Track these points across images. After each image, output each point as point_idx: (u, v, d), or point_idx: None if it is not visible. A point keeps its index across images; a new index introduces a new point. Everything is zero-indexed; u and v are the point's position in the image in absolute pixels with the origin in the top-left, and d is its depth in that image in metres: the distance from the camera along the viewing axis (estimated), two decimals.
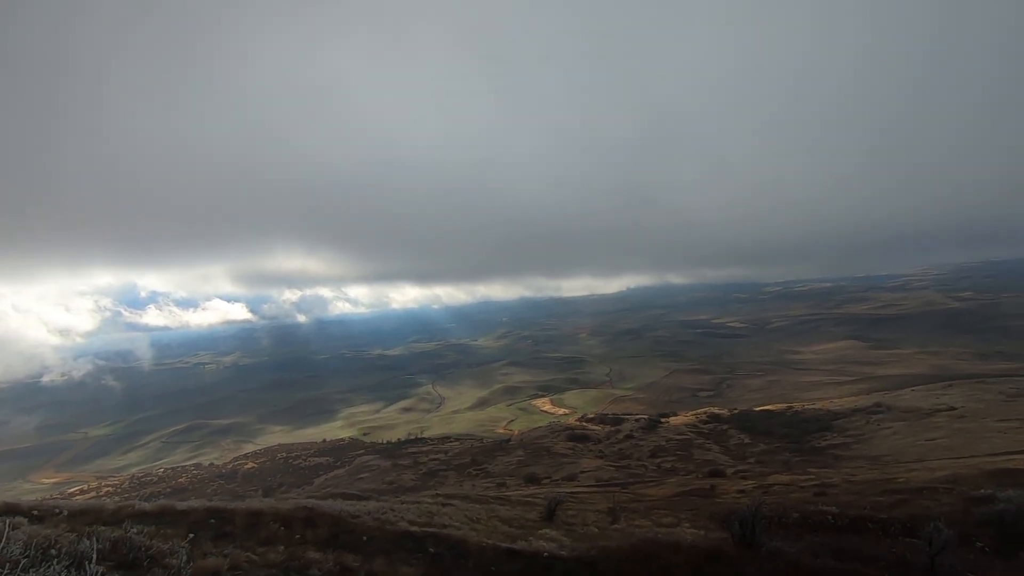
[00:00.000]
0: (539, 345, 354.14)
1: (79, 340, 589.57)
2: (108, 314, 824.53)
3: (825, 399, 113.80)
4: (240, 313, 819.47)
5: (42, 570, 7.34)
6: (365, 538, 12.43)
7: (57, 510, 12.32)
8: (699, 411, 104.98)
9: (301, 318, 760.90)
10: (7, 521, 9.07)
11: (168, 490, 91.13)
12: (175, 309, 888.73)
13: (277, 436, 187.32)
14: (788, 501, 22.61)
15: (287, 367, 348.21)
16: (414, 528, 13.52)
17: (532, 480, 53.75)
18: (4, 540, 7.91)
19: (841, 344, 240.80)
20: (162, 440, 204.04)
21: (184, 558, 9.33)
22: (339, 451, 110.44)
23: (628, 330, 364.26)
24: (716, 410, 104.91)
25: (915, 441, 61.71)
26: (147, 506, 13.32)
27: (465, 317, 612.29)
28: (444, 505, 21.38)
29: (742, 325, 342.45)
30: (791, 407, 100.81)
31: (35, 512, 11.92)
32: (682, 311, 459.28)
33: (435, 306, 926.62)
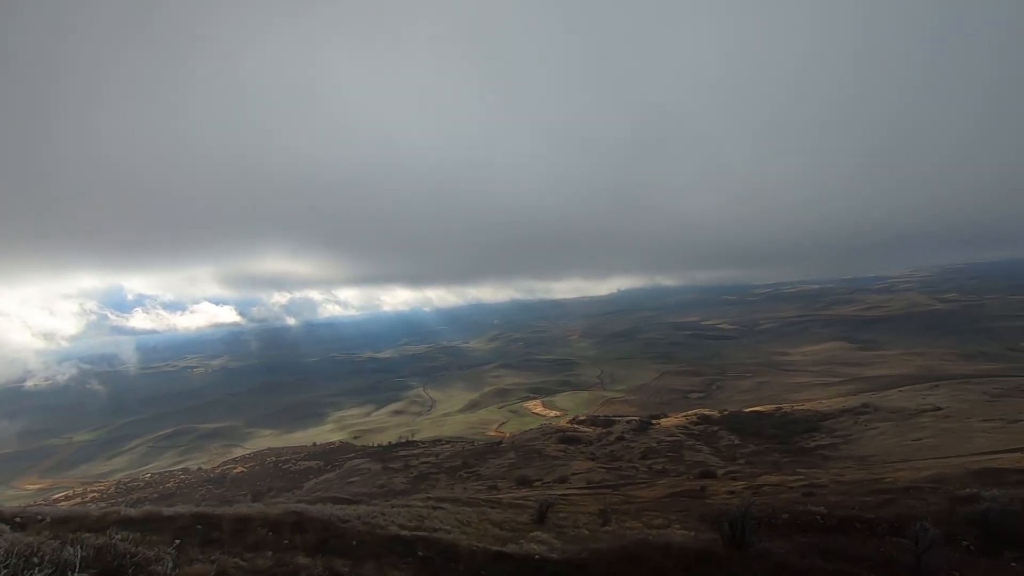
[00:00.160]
0: (530, 347, 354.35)
1: (63, 344, 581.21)
2: (93, 317, 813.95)
3: (813, 400, 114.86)
4: (228, 316, 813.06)
5: None
6: (355, 543, 12.34)
7: (40, 517, 12.11)
8: (689, 412, 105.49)
9: (290, 321, 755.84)
10: None
11: (155, 496, 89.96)
12: (162, 312, 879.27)
13: (266, 440, 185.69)
14: (777, 502, 22.77)
15: (276, 370, 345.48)
16: (404, 532, 13.44)
17: (523, 482, 53.70)
18: None
19: (829, 345, 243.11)
20: (149, 445, 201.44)
21: (170, 565, 9.20)
22: (329, 455, 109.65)
23: (619, 332, 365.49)
24: (706, 411, 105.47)
25: (901, 441, 62.42)
26: (133, 512, 13.14)
27: (456, 319, 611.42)
28: (435, 508, 21.29)
29: (732, 327, 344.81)
30: (780, 408, 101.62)
31: (17, 519, 11.71)
32: (672, 313, 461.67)
33: (426, 308, 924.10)
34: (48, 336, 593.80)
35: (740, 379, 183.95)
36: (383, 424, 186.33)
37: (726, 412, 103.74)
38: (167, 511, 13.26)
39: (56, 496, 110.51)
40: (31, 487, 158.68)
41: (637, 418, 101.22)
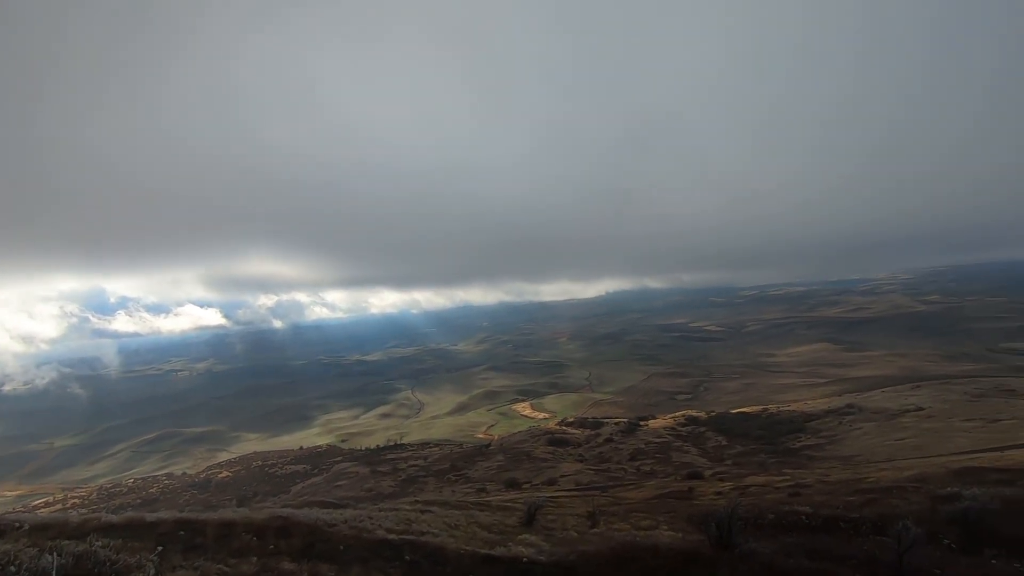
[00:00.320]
0: (519, 349, 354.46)
1: (43, 347, 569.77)
2: (74, 320, 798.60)
3: (799, 401, 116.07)
4: (214, 319, 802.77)
5: None
6: (342, 547, 12.24)
7: (18, 524, 11.87)
8: (677, 414, 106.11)
9: (277, 323, 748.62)
10: None
11: (138, 501, 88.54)
12: (146, 315, 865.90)
13: (252, 444, 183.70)
14: (764, 502, 22.95)
15: (262, 373, 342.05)
16: (392, 536, 13.36)
17: (512, 485, 53.62)
18: None
19: (814, 347, 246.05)
20: (132, 450, 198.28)
21: (152, 571, 9.08)
22: (316, 458, 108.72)
23: (607, 334, 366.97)
24: (694, 413, 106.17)
25: (885, 441, 63.32)
26: (114, 518, 12.92)
27: (445, 322, 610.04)
28: (423, 512, 21.18)
29: (719, 329, 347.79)
30: (766, 409, 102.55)
31: None
32: (660, 315, 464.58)
33: (414, 311, 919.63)
34: (27, 339, 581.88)
35: (727, 380, 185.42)
36: (371, 427, 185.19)
37: (713, 413, 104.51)
38: (150, 517, 13.06)
39: (36, 503, 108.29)
40: (10, 493, 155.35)
41: (625, 420, 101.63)
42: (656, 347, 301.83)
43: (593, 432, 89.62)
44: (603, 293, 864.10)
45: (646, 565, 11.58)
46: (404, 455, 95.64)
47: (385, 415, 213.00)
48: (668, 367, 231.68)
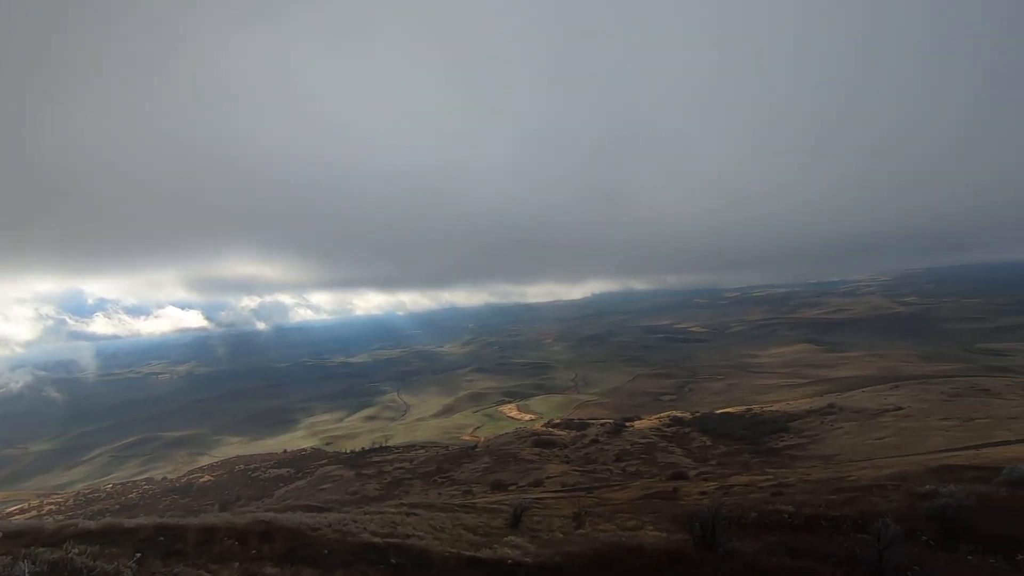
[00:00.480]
0: (505, 351, 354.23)
1: (18, 350, 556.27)
2: (50, 322, 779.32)
3: (781, 401, 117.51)
4: (195, 320, 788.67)
5: None
6: (325, 551, 12.12)
7: None
8: (662, 415, 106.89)
9: (260, 325, 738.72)
10: None
11: (116, 507, 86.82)
12: (125, 317, 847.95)
13: (235, 448, 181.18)
14: (747, 502, 23.19)
15: (245, 376, 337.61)
16: (376, 539, 13.26)
17: (498, 487, 53.59)
18: None
19: (796, 348, 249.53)
20: (110, 454, 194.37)
21: None
22: (300, 462, 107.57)
23: (593, 335, 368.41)
24: (678, 413, 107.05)
25: (865, 440, 64.41)
26: (91, 524, 12.65)
27: (430, 323, 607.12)
28: (408, 515, 21.05)
29: (703, 330, 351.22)
30: (750, 409, 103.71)
31: None
32: (645, 316, 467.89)
33: (399, 313, 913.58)
34: (1, 342, 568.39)
35: (711, 381, 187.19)
36: (356, 430, 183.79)
37: (698, 414, 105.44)
38: (128, 523, 12.81)
39: (10, 509, 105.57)
40: None
41: (611, 421, 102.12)
42: (641, 348, 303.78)
43: (579, 433, 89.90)
44: (589, 295, 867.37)
45: (631, 565, 11.63)
46: (389, 458, 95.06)
47: (370, 417, 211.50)
48: (653, 368, 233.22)
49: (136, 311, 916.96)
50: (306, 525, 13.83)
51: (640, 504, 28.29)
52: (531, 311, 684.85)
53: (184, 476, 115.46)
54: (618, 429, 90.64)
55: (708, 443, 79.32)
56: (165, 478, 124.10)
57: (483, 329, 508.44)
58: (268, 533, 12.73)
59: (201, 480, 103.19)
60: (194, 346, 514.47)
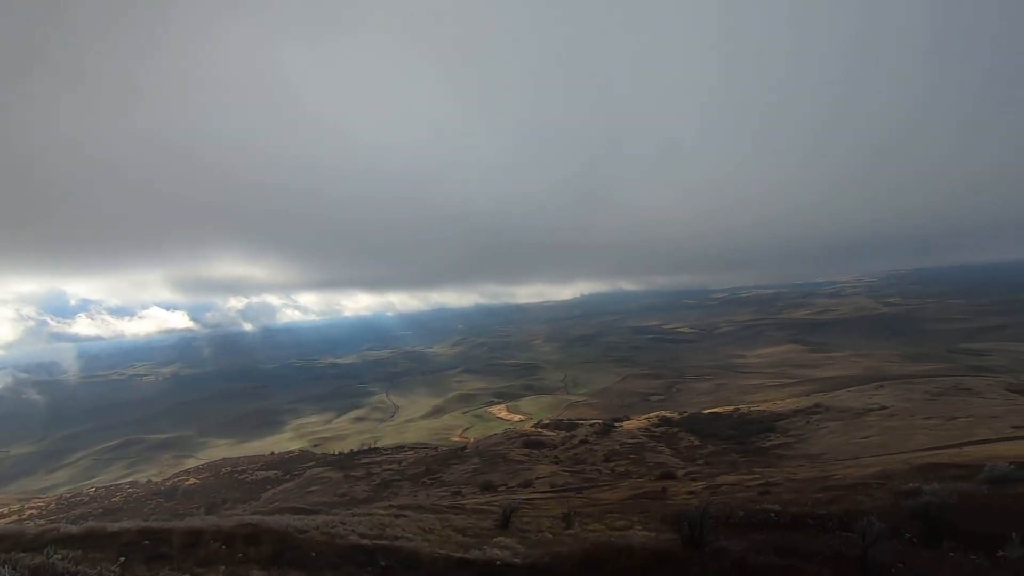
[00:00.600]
0: (494, 352, 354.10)
1: None
2: (31, 323, 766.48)
3: (768, 401, 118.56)
4: (180, 321, 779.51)
5: None
6: (313, 554, 12.02)
7: None
8: (651, 415, 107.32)
9: (247, 326, 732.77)
10: None
11: (99, 511, 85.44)
12: (108, 318, 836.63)
13: (221, 450, 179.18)
14: (734, 501, 23.36)
15: (232, 377, 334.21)
16: (365, 541, 13.18)
17: (488, 488, 53.49)
18: None
19: (783, 348, 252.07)
20: (93, 457, 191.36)
21: None
22: (288, 464, 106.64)
23: (582, 336, 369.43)
24: (667, 413, 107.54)
25: (850, 439, 65.15)
26: (74, 529, 12.46)
27: (419, 324, 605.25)
28: (397, 516, 20.95)
29: (691, 330, 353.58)
30: (737, 409, 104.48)
31: None
32: (634, 317, 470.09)
33: (388, 313, 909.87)
34: None
35: (699, 381, 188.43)
36: (344, 431, 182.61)
37: (686, 414, 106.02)
38: (112, 527, 12.63)
39: None
40: None
41: (600, 421, 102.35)
42: (630, 349, 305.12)
43: (568, 434, 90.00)
44: (578, 295, 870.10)
45: (619, 565, 11.67)
46: (378, 459, 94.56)
47: (359, 419, 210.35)
48: (642, 368, 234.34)
49: (120, 312, 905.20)
50: (294, 528, 13.72)
51: (629, 504, 28.39)
52: (521, 312, 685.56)
53: (169, 479, 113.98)
54: (607, 429, 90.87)
55: (696, 443, 79.81)
56: (150, 481, 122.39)
57: (472, 330, 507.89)
58: (255, 536, 12.61)
59: (187, 483, 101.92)
60: (179, 347, 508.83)
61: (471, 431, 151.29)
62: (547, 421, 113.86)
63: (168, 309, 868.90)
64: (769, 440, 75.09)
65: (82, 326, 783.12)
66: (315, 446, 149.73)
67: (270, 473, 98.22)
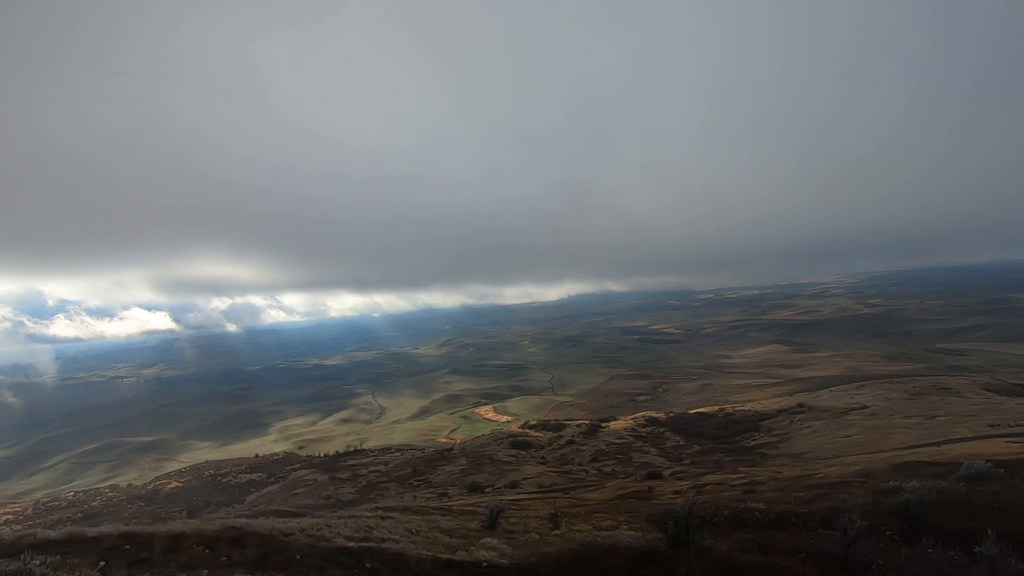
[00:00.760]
0: (481, 353, 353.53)
1: None
2: (7, 324, 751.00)
3: (753, 401, 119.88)
4: (162, 322, 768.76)
5: None
6: (298, 556, 11.91)
7: None
8: (637, 415, 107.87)
9: (231, 327, 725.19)
10: None
11: (79, 515, 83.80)
12: (88, 319, 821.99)
13: (204, 453, 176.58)
14: (720, 500, 23.59)
15: (215, 379, 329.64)
16: (351, 543, 13.09)
17: (475, 489, 53.41)
18: None
19: (767, 348, 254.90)
20: (72, 461, 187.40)
21: None
22: (273, 466, 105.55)
23: (569, 337, 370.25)
24: (653, 414, 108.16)
25: (833, 438, 66.05)
26: (52, 534, 12.21)
27: (406, 325, 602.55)
28: (383, 518, 20.85)
29: (677, 331, 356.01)
30: (722, 409, 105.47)
31: None
32: (621, 318, 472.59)
33: (375, 314, 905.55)
34: None
35: (685, 382, 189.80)
36: (330, 433, 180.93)
37: (672, 414, 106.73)
38: (91, 531, 12.40)
39: None
40: None
41: (587, 422, 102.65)
42: (617, 349, 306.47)
43: (555, 434, 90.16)
44: (565, 296, 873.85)
45: (606, 564, 11.73)
46: (364, 461, 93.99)
47: (345, 420, 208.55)
48: (628, 369, 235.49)
49: (100, 313, 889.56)
50: (278, 530, 13.58)
51: (616, 504, 28.52)
52: (508, 313, 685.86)
53: (151, 483, 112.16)
54: (594, 430, 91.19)
55: (682, 443, 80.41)
56: (130, 485, 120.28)
57: (459, 331, 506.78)
58: (239, 539, 12.46)
59: (168, 486, 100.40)
60: (161, 349, 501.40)
61: (458, 432, 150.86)
62: (534, 422, 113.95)
63: (149, 310, 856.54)
64: (754, 439, 75.88)
65: (60, 327, 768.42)
66: (300, 448, 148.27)
67: (254, 476, 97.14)
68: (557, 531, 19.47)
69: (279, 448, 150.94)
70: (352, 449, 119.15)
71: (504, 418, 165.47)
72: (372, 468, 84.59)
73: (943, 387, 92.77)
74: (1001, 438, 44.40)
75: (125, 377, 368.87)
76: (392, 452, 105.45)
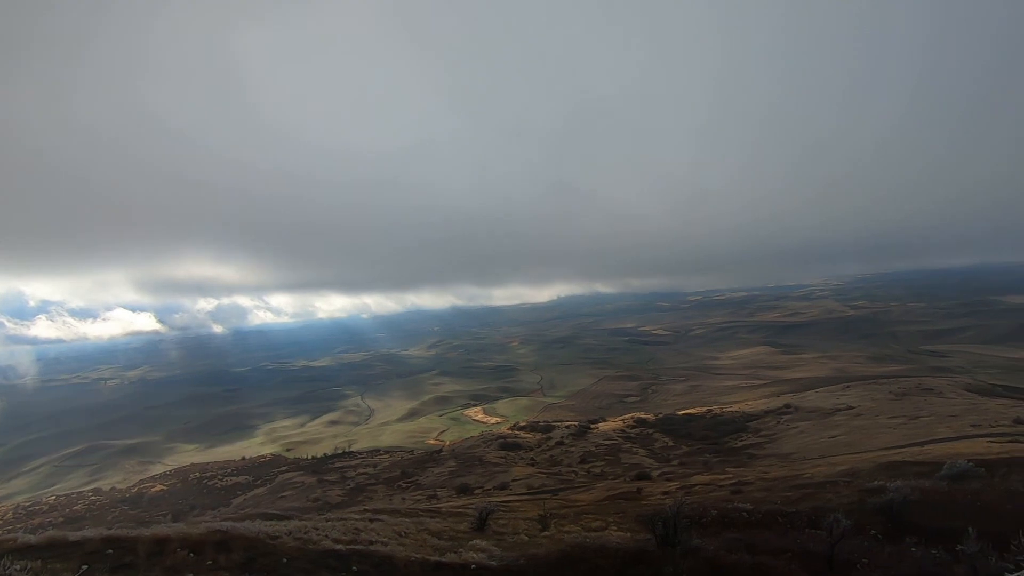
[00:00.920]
0: (470, 354, 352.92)
1: None
2: None
3: (741, 402, 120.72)
4: (147, 323, 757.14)
5: None
6: (285, 560, 11.81)
7: None
8: (626, 416, 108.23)
9: (217, 328, 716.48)
10: None
11: (60, 520, 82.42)
12: (70, 320, 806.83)
13: (189, 455, 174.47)
14: (708, 500, 23.74)
15: (201, 381, 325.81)
16: (339, 546, 13.00)
17: (464, 490, 53.30)
18: None
19: (755, 350, 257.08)
20: (54, 465, 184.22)
21: None
22: (260, 469, 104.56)
23: (558, 338, 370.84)
24: (642, 415, 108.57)
25: (819, 439, 66.78)
26: (32, 539, 11.99)
27: (395, 326, 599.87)
28: (372, 521, 20.73)
29: (666, 332, 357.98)
30: (711, 410, 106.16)
31: None
32: (610, 319, 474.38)
33: (364, 315, 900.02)
34: None
35: (674, 383, 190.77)
36: (318, 435, 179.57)
37: (661, 415, 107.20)
38: (73, 536, 12.20)
39: None
40: None
41: (576, 423, 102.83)
42: (606, 351, 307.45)
43: (544, 436, 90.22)
44: (555, 297, 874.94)
45: (595, 565, 11.76)
46: (353, 463, 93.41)
47: (333, 422, 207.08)
48: (618, 370, 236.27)
49: (82, 314, 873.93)
50: (265, 533, 13.45)
51: (605, 505, 28.60)
52: (497, 314, 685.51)
53: (134, 486, 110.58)
54: (583, 431, 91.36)
55: (671, 444, 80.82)
56: (114, 488, 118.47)
57: (448, 332, 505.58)
58: (225, 543, 12.32)
59: (153, 490, 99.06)
60: (146, 350, 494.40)
61: (447, 434, 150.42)
62: (523, 423, 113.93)
63: (134, 311, 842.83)
64: (741, 440, 76.47)
65: (42, 328, 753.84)
66: (288, 450, 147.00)
67: (241, 478, 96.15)
68: (546, 532, 19.48)
69: (266, 450, 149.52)
70: (340, 451, 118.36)
71: (493, 419, 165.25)
72: (360, 470, 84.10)
73: (926, 388, 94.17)
74: (983, 438, 45.20)
75: (108, 379, 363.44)
76: (381, 454, 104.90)
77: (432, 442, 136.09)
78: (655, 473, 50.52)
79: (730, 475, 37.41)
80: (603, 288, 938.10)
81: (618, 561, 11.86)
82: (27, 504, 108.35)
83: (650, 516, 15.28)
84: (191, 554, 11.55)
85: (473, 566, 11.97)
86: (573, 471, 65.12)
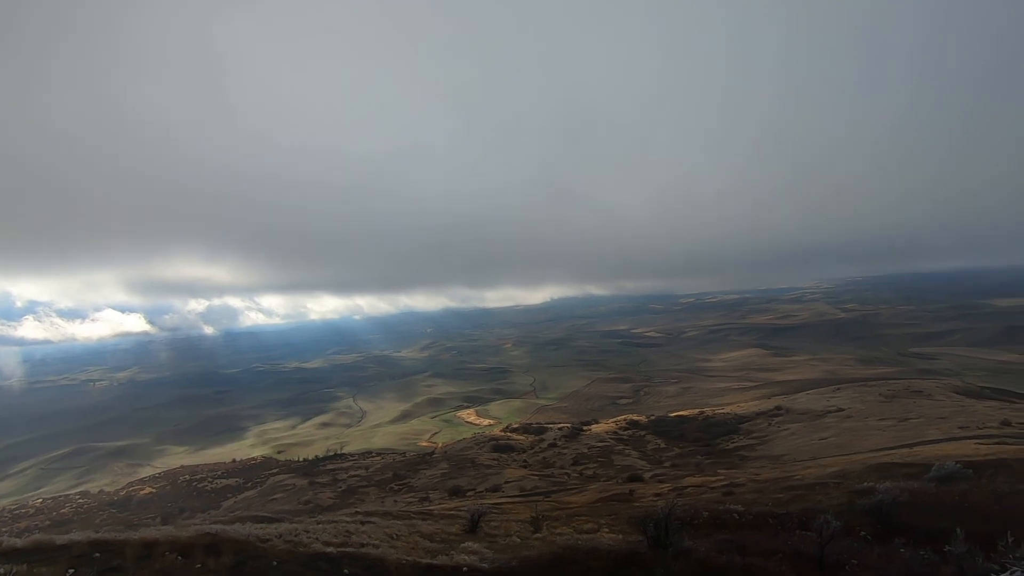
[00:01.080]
0: (463, 356, 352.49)
1: None
2: None
3: (733, 404, 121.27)
4: (137, 324, 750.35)
5: None
6: (275, 563, 11.73)
7: None
8: (619, 418, 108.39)
9: (208, 330, 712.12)
10: None
11: (47, 523, 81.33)
12: (58, 320, 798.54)
13: (179, 457, 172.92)
14: (699, 502, 23.82)
15: (191, 383, 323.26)
16: (330, 549, 12.93)
17: (456, 493, 53.14)
18: None
19: (746, 352, 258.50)
20: (40, 467, 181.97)
21: None
22: (250, 471, 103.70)
23: (551, 340, 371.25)
24: (635, 417, 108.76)
25: (810, 440, 67.19)
26: (18, 542, 11.84)
27: (388, 328, 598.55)
28: (363, 523, 20.63)
29: (658, 335, 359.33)
30: (703, 412, 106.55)
31: None
32: (603, 321, 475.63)
33: (356, 317, 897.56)
34: None
35: (666, 385, 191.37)
36: (309, 437, 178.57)
37: (653, 417, 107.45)
38: (60, 539, 12.05)
39: None
40: None
41: (569, 425, 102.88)
42: (599, 352, 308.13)
43: (537, 438, 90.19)
44: (548, 299, 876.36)
45: (587, 567, 11.76)
46: (344, 465, 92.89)
47: (325, 424, 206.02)
48: (610, 372, 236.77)
49: (71, 314, 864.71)
50: (255, 536, 13.35)
51: (597, 507, 28.62)
52: (490, 316, 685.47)
53: (123, 489, 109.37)
54: (576, 433, 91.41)
55: (663, 445, 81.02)
56: (102, 491, 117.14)
57: (441, 334, 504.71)
58: (214, 546, 12.22)
59: (142, 492, 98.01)
60: (135, 351, 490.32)
61: (439, 436, 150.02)
62: (516, 425, 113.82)
63: (123, 311, 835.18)
64: (733, 442, 76.77)
65: (29, 329, 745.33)
66: (279, 452, 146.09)
67: (231, 481, 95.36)
68: (538, 534, 19.46)
69: (257, 452, 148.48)
70: (332, 453, 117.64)
71: (486, 421, 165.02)
72: (352, 472, 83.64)
73: (915, 390, 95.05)
74: (971, 440, 45.65)
75: (97, 380, 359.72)
76: (373, 456, 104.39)
77: (424, 444, 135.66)
78: (647, 475, 50.61)
79: (722, 477, 37.55)
80: (596, 290, 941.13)
81: (610, 563, 11.88)
82: (13, 507, 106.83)
83: (642, 518, 15.32)
84: (180, 557, 11.45)
85: (465, 568, 11.94)
86: (566, 473, 65.12)
